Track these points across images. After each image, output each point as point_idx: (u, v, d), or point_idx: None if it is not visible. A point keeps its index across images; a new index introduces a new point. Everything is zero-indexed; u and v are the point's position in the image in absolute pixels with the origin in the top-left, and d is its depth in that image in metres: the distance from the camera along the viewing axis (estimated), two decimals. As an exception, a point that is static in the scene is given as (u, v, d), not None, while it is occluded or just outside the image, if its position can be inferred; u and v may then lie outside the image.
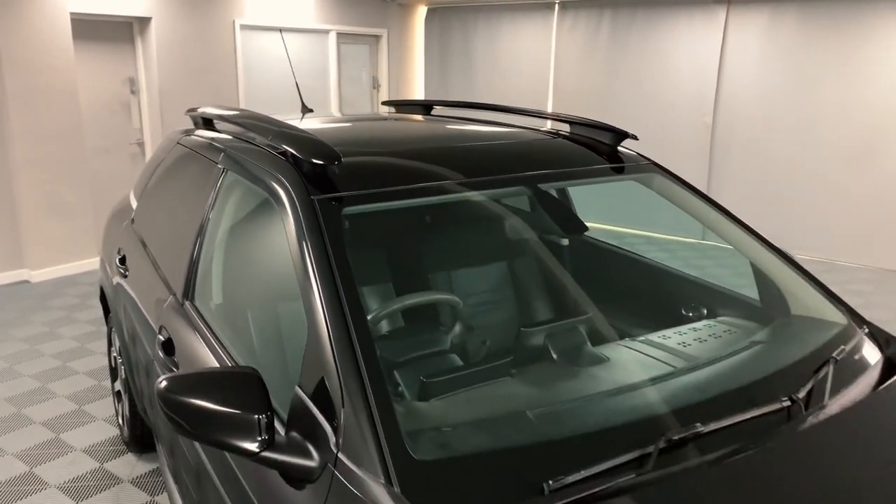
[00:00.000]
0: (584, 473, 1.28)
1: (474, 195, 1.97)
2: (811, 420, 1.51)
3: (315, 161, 1.75)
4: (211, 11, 6.83)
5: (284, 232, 1.73)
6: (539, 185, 2.04)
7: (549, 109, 8.19)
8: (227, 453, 1.66)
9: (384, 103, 3.57)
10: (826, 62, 6.51)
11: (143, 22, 6.42)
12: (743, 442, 1.41)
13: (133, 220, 3.08)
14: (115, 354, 3.39)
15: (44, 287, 5.73)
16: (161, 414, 1.97)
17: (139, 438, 3.19)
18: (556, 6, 7.93)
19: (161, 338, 2.19)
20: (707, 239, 1.97)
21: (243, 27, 7.18)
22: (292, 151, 1.81)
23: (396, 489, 1.22)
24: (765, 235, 6.97)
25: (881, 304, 5.57)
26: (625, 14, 7.50)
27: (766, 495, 1.28)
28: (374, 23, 8.60)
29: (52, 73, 5.69)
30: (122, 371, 3.17)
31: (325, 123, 2.53)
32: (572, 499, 1.23)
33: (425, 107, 3.20)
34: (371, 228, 2.15)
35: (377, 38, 8.79)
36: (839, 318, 1.97)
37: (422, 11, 9.00)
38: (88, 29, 6.14)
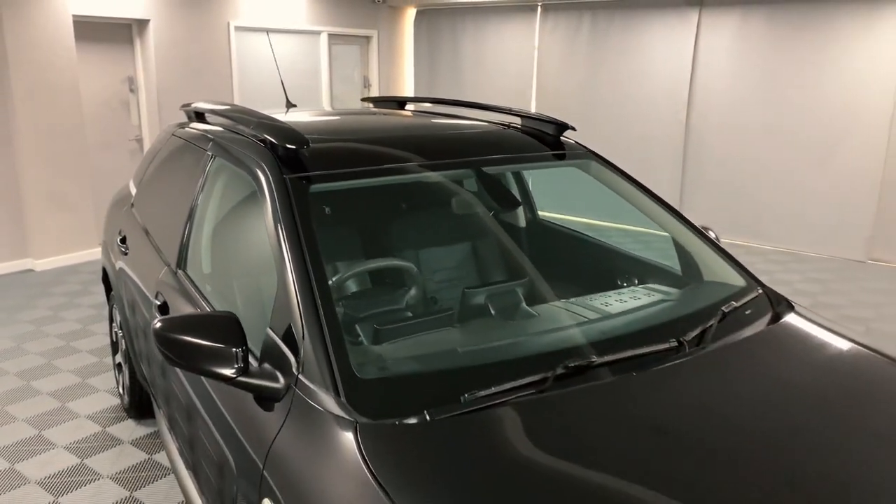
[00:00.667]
0: (493, 389, 1.61)
1: (428, 176, 2.30)
2: (690, 357, 1.83)
3: (287, 146, 2.07)
4: (206, 13, 7.15)
5: (261, 206, 2.05)
6: (483, 168, 2.37)
7: (533, 107, 8.52)
8: (211, 390, 1.98)
9: (363, 100, 3.90)
10: (791, 62, 6.84)
11: (142, 24, 6.74)
12: (631, 371, 1.74)
13: (133, 204, 3.41)
14: (116, 329, 3.70)
15: (47, 275, 6.04)
16: (156, 351, 2.30)
17: (138, 404, 3.51)
18: (539, 8, 8.26)
19: (157, 302, 2.51)
20: (638, 219, 2.23)
21: (237, 28, 7.50)
22: (269, 138, 2.14)
23: (343, 399, 1.55)
24: (734, 225, 7.33)
25: (838, 290, 5.90)
26: (603, 16, 7.83)
27: (643, 408, 1.60)
28: (365, 24, 8.92)
29: (55, 73, 6.01)
30: (123, 343, 3.49)
31: (304, 116, 2.86)
32: (482, 406, 1.56)
33: (400, 103, 3.53)
34: (339, 205, 2.47)
35: (368, 38, 9.11)
36: (740, 282, 2.30)
37: (411, 13, 9.32)
38: (90, 30, 6.46)
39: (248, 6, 7.52)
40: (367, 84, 9.20)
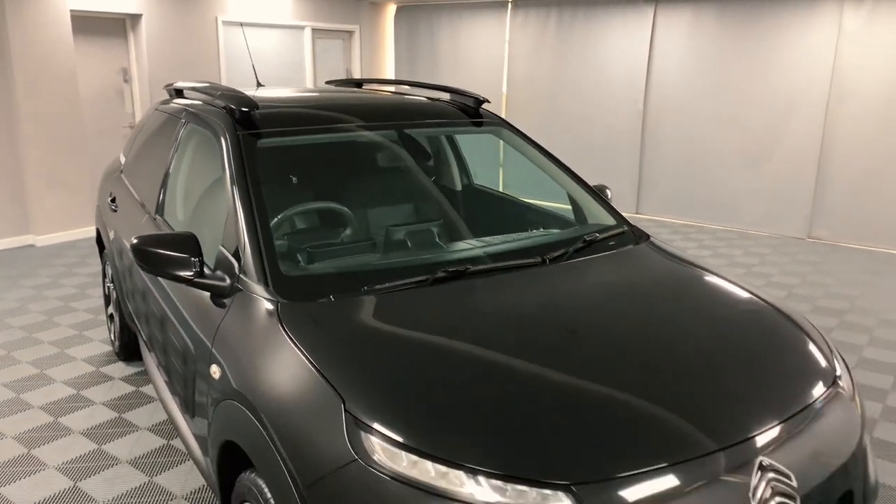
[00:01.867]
0: (387, 284, 2.14)
1: (362, 135, 2.84)
2: (547, 267, 2.37)
3: (241, 109, 2.60)
4: (196, 8, 7.67)
5: (220, 157, 2.57)
6: (408, 131, 2.91)
7: (504, 97, 9.04)
8: (177, 301, 2.51)
9: (327, 82, 4.42)
10: (738, 54, 7.37)
11: (135, 18, 7.27)
12: (502, 277, 2.28)
13: (122, 171, 3.94)
14: (108, 283, 4.23)
15: (47, 250, 6.57)
16: (138, 282, 2.82)
17: (126, 346, 4.03)
18: (509, 5, 8.79)
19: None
20: (541, 176, 2.70)
21: (225, 23, 8.02)
22: (228, 104, 2.66)
23: (270, 288, 2.08)
24: (687, 206, 7.86)
25: (772, 262, 6.43)
26: (568, 12, 8.36)
27: (502, 296, 2.15)
28: (347, 19, 9.44)
29: (54, 64, 6.53)
30: (114, 294, 4.01)
31: (267, 92, 3.38)
32: (376, 291, 2.10)
33: (357, 83, 4.05)
34: (287, 158, 2.99)
35: (350, 33, 9.63)
36: (612, 222, 2.83)
37: (391, 9, 9.84)
38: (86, 25, 6.98)
39: (236, 1, 8.04)
40: (348, 75, 9.72)
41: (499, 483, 1.48)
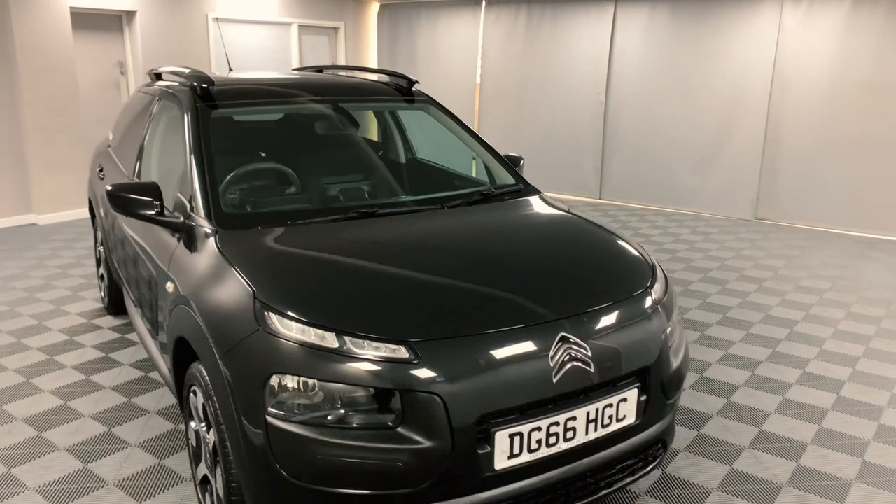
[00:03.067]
0: (309, 220, 2.71)
1: (301, 107, 3.41)
2: (444, 212, 2.93)
3: (201, 85, 3.16)
4: (187, 6, 8.25)
5: (182, 124, 3.13)
6: (341, 104, 3.48)
7: (477, 89, 9.60)
8: (143, 243, 3.08)
9: (293, 69, 4.97)
10: (690, 49, 7.90)
11: (130, 15, 7.85)
12: (404, 217, 2.85)
13: (109, 145, 4.51)
14: (99, 247, 4.80)
15: (48, 228, 7.15)
16: (120, 238, 3.37)
17: (115, 301, 4.60)
18: (483, 3, 9.34)
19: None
20: (461, 146, 3.21)
21: (216, 20, 8.60)
22: (191, 82, 3.23)
23: (212, 220, 2.64)
24: (645, 191, 8.41)
25: (715, 239, 6.97)
26: (537, 9, 8.91)
27: (400, 232, 2.71)
28: (332, 16, 10.00)
29: (55, 57, 7.11)
30: (103, 255, 4.58)
31: (236, 75, 3.94)
32: (297, 224, 2.66)
33: (318, 70, 4.60)
34: (240, 127, 3.54)
35: (335, 29, 10.19)
36: (511, 181, 3.39)
37: (375, 7, 10.41)
38: (85, 20, 7.56)
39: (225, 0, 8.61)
40: (334, 71, 10.28)
41: (359, 341, 2.03)
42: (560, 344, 2.16)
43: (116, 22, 7.90)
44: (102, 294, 4.86)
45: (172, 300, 2.63)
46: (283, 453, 2.01)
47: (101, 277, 4.83)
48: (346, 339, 2.04)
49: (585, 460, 2.25)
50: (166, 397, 3.64)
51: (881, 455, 3.19)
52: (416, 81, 3.79)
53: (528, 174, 9.47)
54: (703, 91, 7.92)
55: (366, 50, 10.54)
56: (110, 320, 4.69)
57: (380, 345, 2.04)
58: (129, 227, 3.42)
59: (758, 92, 7.55)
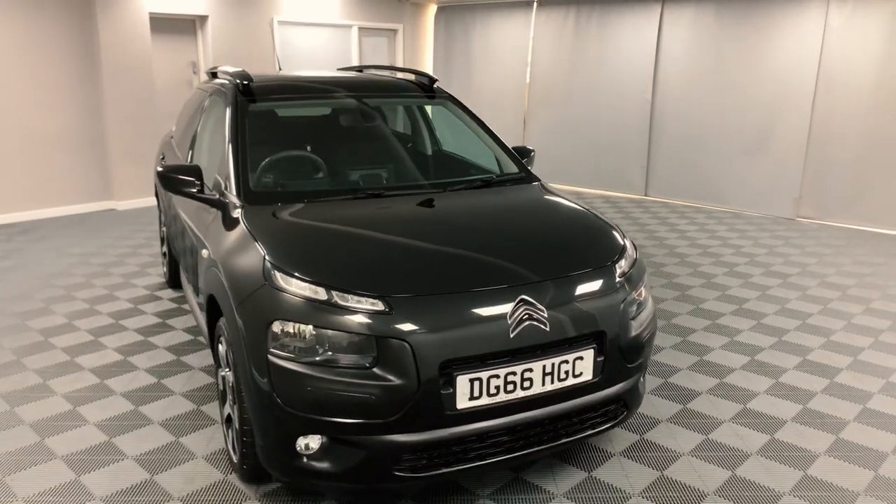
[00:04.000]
0: (323, 198, 3.12)
1: (330, 102, 3.84)
2: (444, 195, 3.30)
3: (242, 82, 3.63)
4: (254, 10, 8.88)
5: (225, 116, 3.60)
6: (366, 100, 3.89)
7: (527, 88, 9.88)
8: (188, 219, 3.57)
9: (337, 70, 5.42)
10: (736, 47, 7.98)
11: (203, 19, 8.52)
12: (408, 197, 3.23)
13: (171, 136, 5.07)
14: (162, 228, 5.37)
15: (125, 213, 7.88)
16: (177, 221, 3.87)
17: (173, 275, 5.16)
18: (535, 4, 9.63)
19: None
20: (476, 137, 3.62)
21: (280, 23, 9.20)
22: (234, 80, 3.70)
23: (241, 197, 3.09)
24: (688, 189, 8.52)
25: (751, 236, 7.06)
26: (585, 10, 9.14)
27: (402, 209, 3.09)
28: (391, 18, 10.49)
29: (134, 58, 7.83)
30: (165, 234, 5.14)
31: (283, 74, 4.41)
32: (313, 201, 3.08)
33: (359, 69, 5.04)
34: (275, 118, 3.98)
35: (394, 31, 10.67)
36: (515, 170, 3.73)
37: (432, 9, 10.83)
38: (162, 24, 8.27)
39: (290, 3, 9.21)
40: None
41: (345, 295, 2.43)
42: (519, 305, 2.50)
43: (190, 25, 8.59)
44: (164, 269, 5.44)
45: (206, 265, 3.09)
46: (281, 386, 2.42)
47: (164, 255, 5.41)
48: (334, 293, 2.44)
49: (545, 409, 2.57)
50: (209, 357, 4.14)
51: (857, 433, 3.36)
52: (436, 79, 4.17)
53: (573, 171, 9.73)
54: (747, 90, 7.98)
55: (422, 51, 10.99)
56: (170, 292, 5.26)
57: (361, 299, 2.42)
58: (179, 206, 3.92)
59: (802, 91, 7.57)
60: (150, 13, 7.96)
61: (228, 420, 2.99)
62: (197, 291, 3.45)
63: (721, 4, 8.04)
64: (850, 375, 3.99)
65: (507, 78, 10.05)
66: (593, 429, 2.77)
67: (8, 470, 3.00)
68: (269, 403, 2.46)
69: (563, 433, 2.69)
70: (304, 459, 2.48)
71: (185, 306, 4.98)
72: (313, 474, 2.48)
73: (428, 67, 11.08)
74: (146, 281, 5.53)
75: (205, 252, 3.15)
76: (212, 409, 3.53)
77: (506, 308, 2.49)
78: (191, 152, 4.18)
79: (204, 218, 3.35)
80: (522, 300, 2.52)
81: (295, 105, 3.86)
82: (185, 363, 4.06)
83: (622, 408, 2.86)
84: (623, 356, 2.74)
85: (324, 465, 2.46)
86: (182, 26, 8.53)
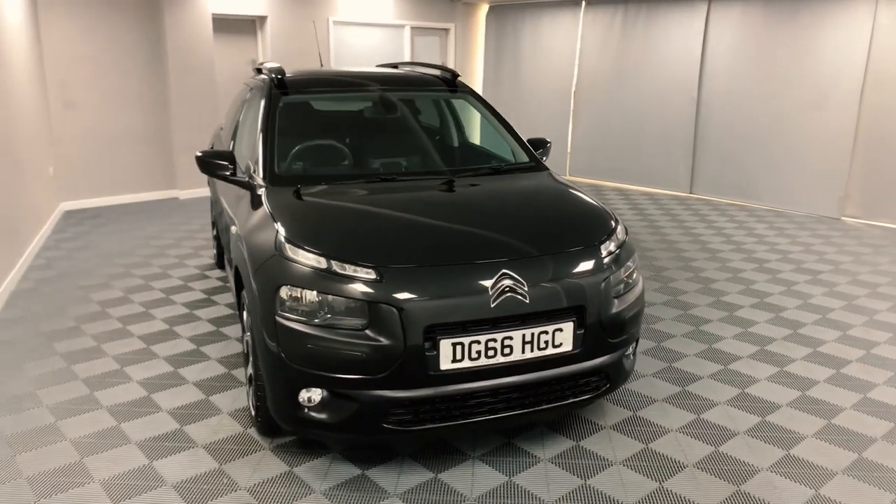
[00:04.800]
0: (338, 182, 3.43)
1: (357, 94, 4.16)
2: (452, 178, 3.55)
3: (276, 76, 3.98)
4: (311, 10, 9.31)
5: (260, 106, 3.95)
6: (390, 93, 4.18)
7: (574, 86, 10.01)
8: (226, 204, 3.93)
9: (376, 66, 5.73)
10: (782, 45, 7.93)
11: (262, 19, 9.01)
12: (419, 181, 3.51)
13: (221, 127, 5.49)
14: (214, 213, 5.80)
15: (186, 201, 8.43)
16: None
17: (221, 256, 5.58)
18: (583, 4, 9.75)
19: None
20: (494, 128, 3.86)
21: (335, 23, 9.62)
22: (270, 74, 4.05)
23: (267, 179, 3.42)
24: (733, 187, 8.51)
25: (789, 234, 7.03)
26: (632, 9, 9.21)
27: (410, 192, 3.36)
28: (443, 18, 10.78)
29: (198, 55, 8.36)
30: (214, 219, 5.56)
31: (318, 69, 4.75)
32: (330, 183, 3.39)
33: (394, 65, 5.34)
34: (306, 109, 4.31)
35: (446, 31, 10.96)
36: (526, 159, 3.95)
37: (484, 8, 11.07)
38: (224, 25, 8.79)
39: (345, 4, 9.61)
40: (444, 69, 11.05)
41: (342, 265, 2.71)
42: (501, 278, 2.73)
43: (250, 25, 9.09)
44: (214, 251, 5.88)
45: (234, 240, 3.44)
46: (286, 343, 2.72)
47: (214, 238, 5.84)
48: (333, 262, 2.73)
49: (525, 375, 2.79)
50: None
51: (850, 420, 3.44)
52: (458, 74, 4.43)
53: (618, 168, 9.86)
54: (794, 88, 7.92)
55: (473, 50, 11.24)
56: (217, 272, 5.69)
57: (357, 268, 2.70)
58: (220, 191, 4.30)
59: (850, 89, 7.47)
60: (213, 14, 8.48)
61: (251, 380, 3.32)
62: (230, 263, 3.81)
63: (768, 2, 8.00)
64: (859, 367, 4.04)
65: (555, 76, 10.20)
66: (575, 397, 2.97)
67: (60, 416, 3.41)
68: (277, 360, 2.77)
69: (545, 399, 2.90)
70: (306, 410, 2.77)
71: (229, 284, 5.39)
72: (313, 424, 2.78)
73: (478, 66, 11.32)
74: (197, 262, 5.98)
75: (233, 228, 3.50)
76: (241, 373, 3.89)
77: (488, 281, 2.73)
78: (233, 142, 4.56)
79: (235, 198, 3.70)
80: (504, 274, 2.75)
81: (323, 97, 4.19)
82: (223, 333, 4.44)
83: (604, 380, 3.05)
84: (604, 331, 2.93)
85: (322, 415, 2.76)
86: (243, 26, 9.03)
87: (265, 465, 3.02)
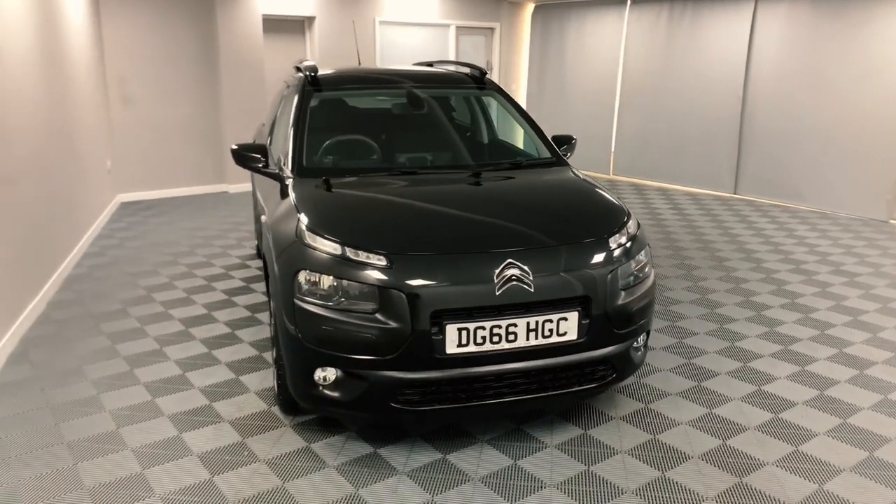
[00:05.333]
0: (362, 174, 3.59)
1: (386, 91, 4.32)
2: (472, 174, 3.67)
3: (310, 73, 4.17)
4: (357, 11, 9.54)
5: (293, 102, 4.14)
6: (418, 89, 4.33)
7: (619, 86, 9.98)
8: (259, 191, 4.13)
9: (413, 64, 5.88)
10: (830, 45, 7.76)
11: (310, 20, 9.28)
12: (441, 175, 3.64)
13: (263, 123, 5.73)
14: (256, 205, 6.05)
15: (236, 195, 8.76)
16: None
17: (259, 247, 5.82)
18: (628, 2, 9.72)
19: (256, 163, 4.74)
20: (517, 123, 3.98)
21: (381, 23, 9.82)
22: (305, 72, 4.25)
23: (294, 171, 3.61)
24: (778, 187, 8.39)
25: (832, 237, 6.89)
26: (678, 8, 9.14)
27: (432, 185, 3.50)
28: (489, 17, 10.88)
29: (248, 55, 8.67)
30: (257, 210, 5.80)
31: (352, 67, 4.93)
32: (355, 176, 3.55)
33: (429, 64, 5.48)
34: (337, 105, 4.48)
35: (491, 30, 11.06)
36: (548, 155, 4.04)
37: (530, 8, 11.13)
38: (274, 25, 9.09)
39: (391, 4, 9.81)
40: (489, 67, 11.16)
41: (355, 251, 2.86)
42: (506, 267, 2.84)
43: (299, 26, 9.37)
44: (257, 242, 6.13)
45: (264, 229, 3.63)
46: (302, 324, 2.89)
47: (257, 229, 6.09)
48: (347, 249, 2.88)
49: (530, 362, 2.89)
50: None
51: (866, 419, 3.42)
52: (486, 72, 4.54)
53: (661, 168, 9.83)
54: (842, 88, 7.75)
55: (518, 49, 11.30)
56: (258, 262, 5.94)
57: (369, 255, 2.85)
58: (256, 182, 4.52)
59: (899, 89, 7.28)
60: (264, 15, 8.78)
61: (275, 361, 3.51)
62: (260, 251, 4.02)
63: (817, 0, 7.84)
64: (883, 369, 3.99)
65: (600, 75, 10.19)
66: (579, 385, 3.05)
67: (102, 389, 3.66)
68: (295, 341, 2.94)
69: (550, 386, 2.99)
70: (320, 388, 2.94)
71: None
72: (327, 401, 2.94)
73: (523, 65, 11.39)
74: (240, 252, 6.25)
75: (263, 217, 3.70)
76: (270, 356, 4.09)
77: (494, 269, 2.84)
78: (270, 137, 4.77)
79: (266, 189, 3.90)
80: (510, 263, 2.85)
81: (353, 94, 4.35)
82: (258, 319, 4.66)
83: (610, 370, 3.12)
84: (610, 322, 3.00)
85: (335, 394, 2.91)
86: (291, 27, 9.32)
87: (285, 440, 3.20)
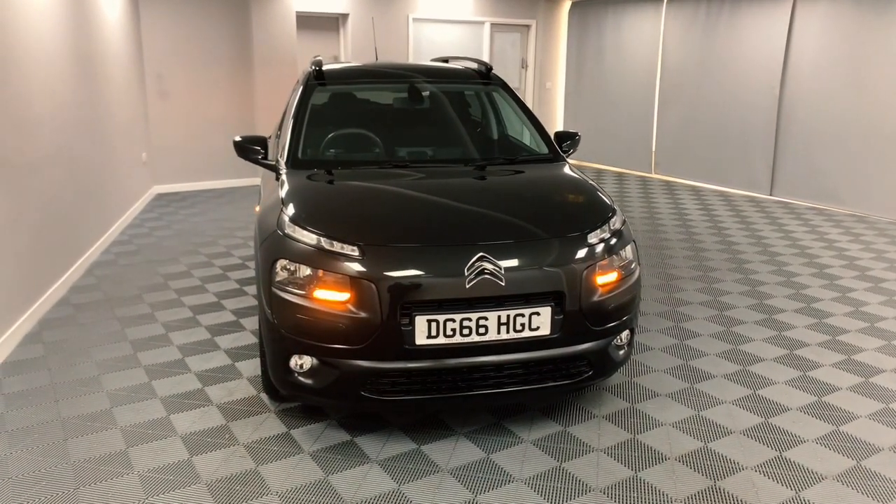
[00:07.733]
0: (352, 167, 3.64)
1: (389, 86, 4.36)
2: (461, 168, 3.69)
3: (316, 68, 4.24)
4: (391, 8, 9.63)
5: (298, 94, 4.22)
6: (422, 84, 4.36)
7: (658, 82, 9.81)
8: (261, 183, 4.23)
9: (431, 60, 5.92)
10: (872, 42, 7.48)
11: (344, 16, 9.40)
12: (435, 168, 3.67)
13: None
14: (275, 197, 6.18)
15: (266, 188, 8.95)
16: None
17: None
18: (665, 1, 9.56)
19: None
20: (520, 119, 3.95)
21: (415, 20, 9.89)
22: (313, 67, 4.33)
23: (289, 163, 3.68)
24: (814, 188, 8.15)
25: (865, 241, 6.65)
26: (715, 5, 8.93)
27: (423, 177, 3.53)
28: (524, 14, 10.83)
29: (281, 50, 8.85)
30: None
31: (365, 62, 4.99)
32: (346, 168, 3.61)
33: (444, 60, 5.51)
34: (342, 99, 4.54)
35: (527, 27, 11.00)
36: (546, 151, 4.03)
37: (567, 5, 11.03)
38: (307, 22, 9.25)
39: (425, 1, 9.86)
40: (524, 65, 11.11)
41: (330, 241, 2.91)
42: (478, 261, 2.85)
43: (333, 23, 9.51)
44: (274, 234, 6.27)
45: (256, 218, 3.72)
46: (278, 312, 2.96)
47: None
48: (322, 239, 2.94)
49: (501, 356, 2.90)
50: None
51: (861, 428, 3.31)
52: (491, 67, 4.54)
53: (696, 166, 9.72)
54: (883, 87, 7.46)
55: (555, 46, 11.22)
56: (275, 254, 6.07)
57: (344, 245, 2.90)
58: (261, 174, 4.62)
59: (943, 88, 6.97)
60: (298, 12, 8.94)
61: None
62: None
63: (858, -5, 7.58)
64: (890, 377, 3.85)
65: (639, 73, 10.05)
66: (554, 381, 3.04)
67: (104, 371, 3.82)
68: (272, 328, 3.01)
69: (523, 381, 2.99)
70: (296, 375, 3.00)
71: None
72: (301, 388, 3.00)
73: (560, 63, 11.30)
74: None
75: (257, 208, 3.78)
76: (269, 344, 4.19)
77: (464, 262, 2.85)
78: (280, 126, 4.88)
79: (265, 181, 4.00)
80: (482, 257, 2.86)
81: (356, 88, 4.42)
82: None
83: (587, 367, 3.10)
84: (586, 318, 2.98)
85: (309, 381, 2.97)
86: (325, 24, 9.46)
87: (266, 425, 3.28)
